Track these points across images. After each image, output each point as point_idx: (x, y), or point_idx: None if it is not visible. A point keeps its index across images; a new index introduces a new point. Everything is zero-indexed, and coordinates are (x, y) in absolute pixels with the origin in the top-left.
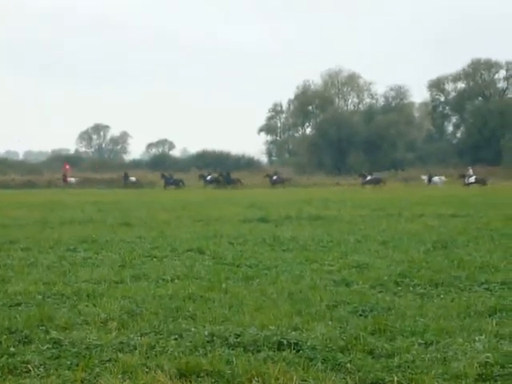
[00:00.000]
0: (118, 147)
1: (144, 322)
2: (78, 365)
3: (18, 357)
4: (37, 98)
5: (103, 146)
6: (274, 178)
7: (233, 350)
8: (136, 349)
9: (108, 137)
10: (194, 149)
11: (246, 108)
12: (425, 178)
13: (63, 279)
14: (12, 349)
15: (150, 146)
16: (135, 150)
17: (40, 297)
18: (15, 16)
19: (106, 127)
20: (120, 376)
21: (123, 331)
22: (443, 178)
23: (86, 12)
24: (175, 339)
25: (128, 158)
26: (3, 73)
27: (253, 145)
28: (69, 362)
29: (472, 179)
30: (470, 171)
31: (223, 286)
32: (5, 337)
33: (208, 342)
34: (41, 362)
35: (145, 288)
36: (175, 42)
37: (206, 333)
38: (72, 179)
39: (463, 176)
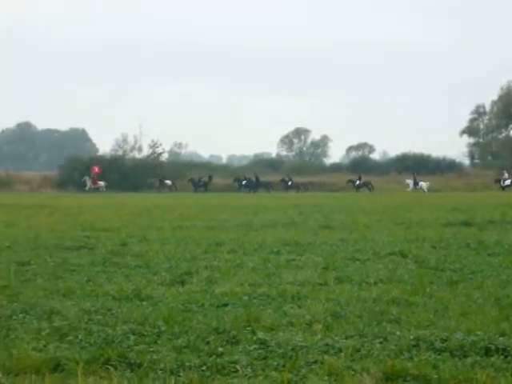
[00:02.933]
0: (319, 151)
1: (348, 325)
2: (284, 366)
3: (226, 357)
4: (242, 105)
5: (304, 149)
6: (357, 182)
7: (439, 354)
8: (341, 351)
9: (309, 141)
10: (393, 152)
11: (445, 110)
12: (410, 182)
13: (268, 281)
14: (220, 349)
15: (350, 149)
16: (336, 154)
17: (246, 298)
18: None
19: (307, 131)
20: (326, 378)
21: (328, 333)
22: (428, 183)
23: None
24: (380, 342)
25: (328, 161)
26: (211, 80)
27: (453, 147)
28: (275, 363)
29: (508, 182)
30: (506, 175)
31: (427, 290)
32: (213, 337)
33: (413, 346)
34: (248, 363)
35: (348, 290)
36: (365, 44)
37: (412, 337)
38: (101, 183)
39: (498, 180)
